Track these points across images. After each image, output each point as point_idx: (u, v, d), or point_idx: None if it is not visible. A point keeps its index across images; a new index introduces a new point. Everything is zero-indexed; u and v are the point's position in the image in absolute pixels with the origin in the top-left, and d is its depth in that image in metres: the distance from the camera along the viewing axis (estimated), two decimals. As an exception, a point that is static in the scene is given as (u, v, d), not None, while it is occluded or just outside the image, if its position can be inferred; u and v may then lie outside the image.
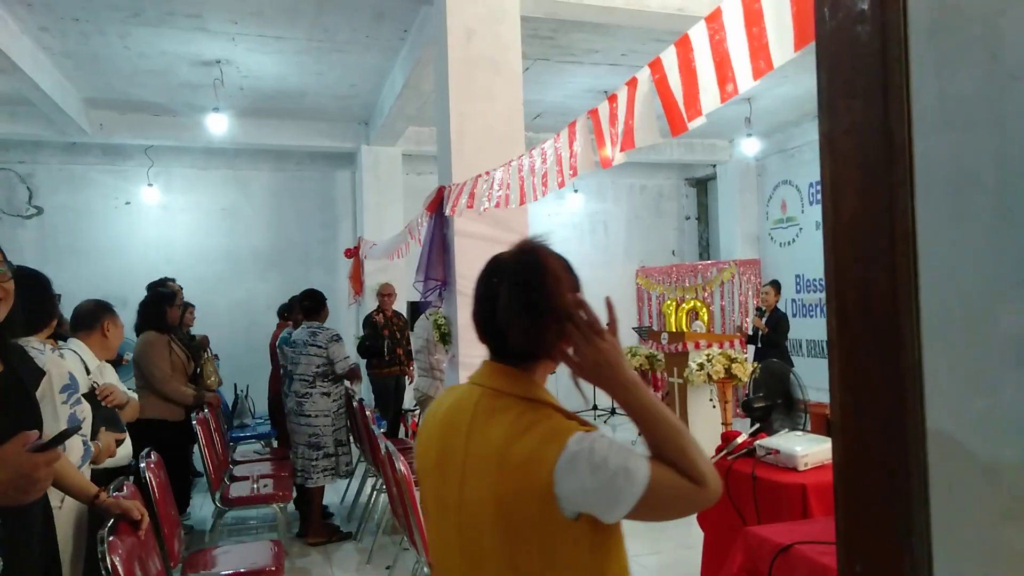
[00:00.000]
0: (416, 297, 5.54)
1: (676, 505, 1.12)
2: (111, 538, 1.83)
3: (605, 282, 10.33)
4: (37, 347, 2.37)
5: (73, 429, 1.46)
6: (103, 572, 1.76)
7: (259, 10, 5.46)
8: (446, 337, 4.31)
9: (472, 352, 4.21)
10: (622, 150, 2.39)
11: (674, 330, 8.53)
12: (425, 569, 3.08)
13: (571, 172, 2.80)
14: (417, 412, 5.48)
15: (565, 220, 10.33)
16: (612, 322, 1.18)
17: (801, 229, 9.25)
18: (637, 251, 10.79)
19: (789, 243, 9.47)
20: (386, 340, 6.80)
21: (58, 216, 8.70)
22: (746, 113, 8.22)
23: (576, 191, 10.19)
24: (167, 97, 7.36)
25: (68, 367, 2.26)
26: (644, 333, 8.76)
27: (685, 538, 4.57)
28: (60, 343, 2.82)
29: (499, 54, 4.45)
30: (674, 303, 9.91)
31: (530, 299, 1.18)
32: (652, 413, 1.13)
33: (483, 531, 1.15)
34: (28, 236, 8.60)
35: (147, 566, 2.24)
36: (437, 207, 4.49)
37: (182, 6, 5.35)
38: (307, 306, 5.02)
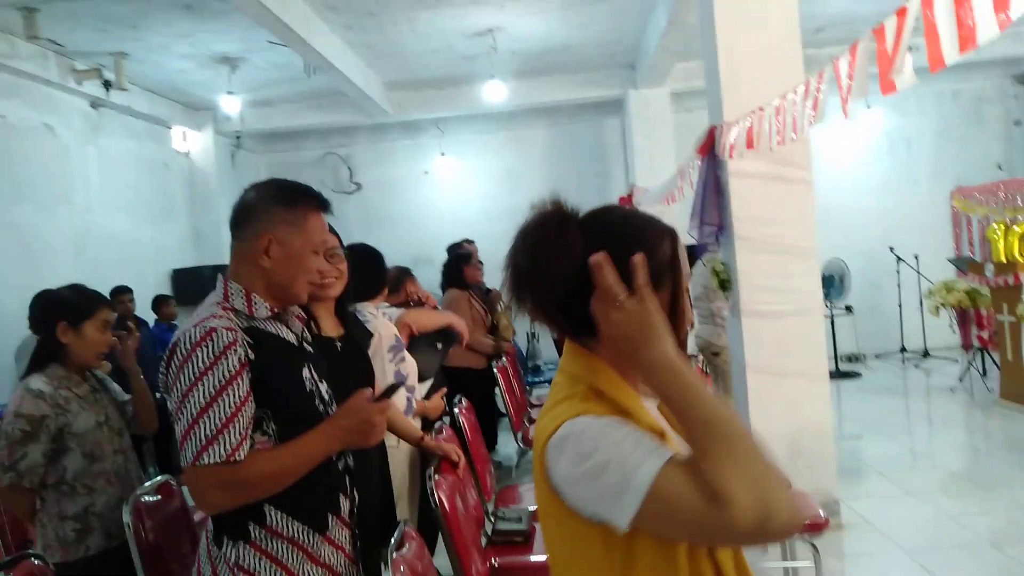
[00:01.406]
0: (692, 241, 5.47)
1: (683, 524, 0.89)
2: (436, 477, 2.15)
3: (908, 208, 9.17)
4: (371, 312, 2.80)
5: (399, 383, 1.72)
6: (432, 504, 2.08)
7: (523, -25, 5.66)
8: (725, 284, 4.20)
9: (756, 299, 4.07)
10: (962, 51, 1.94)
11: (1004, 259, 7.30)
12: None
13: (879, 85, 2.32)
14: (701, 359, 5.43)
15: (855, 143, 9.28)
16: (639, 286, 0.96)
17: None
18: (950, 169, 9.33)
19: None
20: None
21: (373, 190, 10.03)
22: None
23: (869, 107, 9.07)
24: (450, 71, 8.01)
25: (393, 330, 2.65)
26: (963, 265, 7.63)
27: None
28: (383, 307, 3.28)
29: (770, -27, 4.09)
30: (1002, 227, 8.43)
31: (535, 268, 1.04)
32: (679, 403, 0.92)
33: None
34: (351, 209, 10.05)
35: (466, 499, 2.58)
36: (709, 149, 4.34)
37: (455, -15, 5.76)
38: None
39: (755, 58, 4.05)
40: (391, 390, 1.63)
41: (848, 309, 8.75)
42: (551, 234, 1.04)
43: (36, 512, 2.25)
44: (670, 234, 1.10)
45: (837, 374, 8.27)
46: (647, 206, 7.78)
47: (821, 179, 8.66)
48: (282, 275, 1.58)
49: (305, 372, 1.62)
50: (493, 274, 7.34)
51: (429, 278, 8.37)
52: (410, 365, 2.67)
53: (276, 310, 1.61)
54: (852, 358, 9.13)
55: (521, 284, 1.06)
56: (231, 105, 7.41)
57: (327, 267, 1.66)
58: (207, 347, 1.44)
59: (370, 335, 2.48)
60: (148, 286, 7.40)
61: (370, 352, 2.39)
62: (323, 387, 1.67)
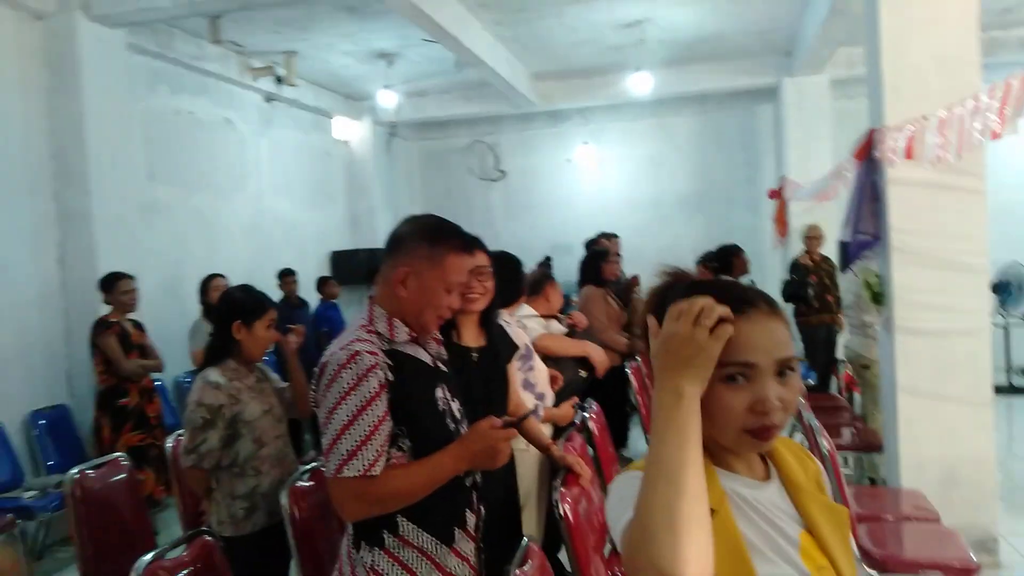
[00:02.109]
0: (846, 236, 5.18)
1: None
2: (562, 488, 2.24)
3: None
4: (505, 319, 2.93)
5: (530, 413, 1.82)
6: (556, 515, 2.18)
7: (675, -34, 5.54)
8: (878, 297, 3.96)
9: (913, 316, 3.81)
10: None
11: None
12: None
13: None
14: (850, 368, 5.16)
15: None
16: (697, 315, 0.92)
17: None
18: None
19: None
20: (811, 286, 6.49)
21: (516, 177, 10.23)
22: None
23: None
24: (596, 61, 7.98)
25: (524, 338, 2.76)
26: None
27: None
28: (517, 312, 3.40)
29: (947, -41, 3.74)
30: None
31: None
32: (653, 444, 0.91)
33: None
34: (496, 196, 10.33)
35: (592, 504, 2.66)
36: (867, 153, 4.08)
37: (605, -21, 5.73)
38: (715, 267, 5.08)
39: (924, 60, 3.73)
40: (519, 421, 1.73)
41: (1025, 318, 7.92)
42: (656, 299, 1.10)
43: (212, 491, 2.58)
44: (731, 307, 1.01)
45: (1010, 389, 7.55)
46: (798, 201, 7.42)
47: (1000, 174, 7.87)
48: (414, 306, 1.71)
49: (438, 392, 1.75)
50: (633, 264, 7.38)
51: (567, 267, 8.50)
52: (539, 373, 2.77)
53: (414, 334, 1.74)
54: (1028, 371, 8.27)
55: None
56: (388, 99, 7.81)
57: (458, 302, 1.77)
58: (351, 369, 1.59)
59: (515, 347, 2.57)
60: (310, 266, 8.03)
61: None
62: (455, 406, 1.80)
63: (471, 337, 2.31)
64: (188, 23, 5.98)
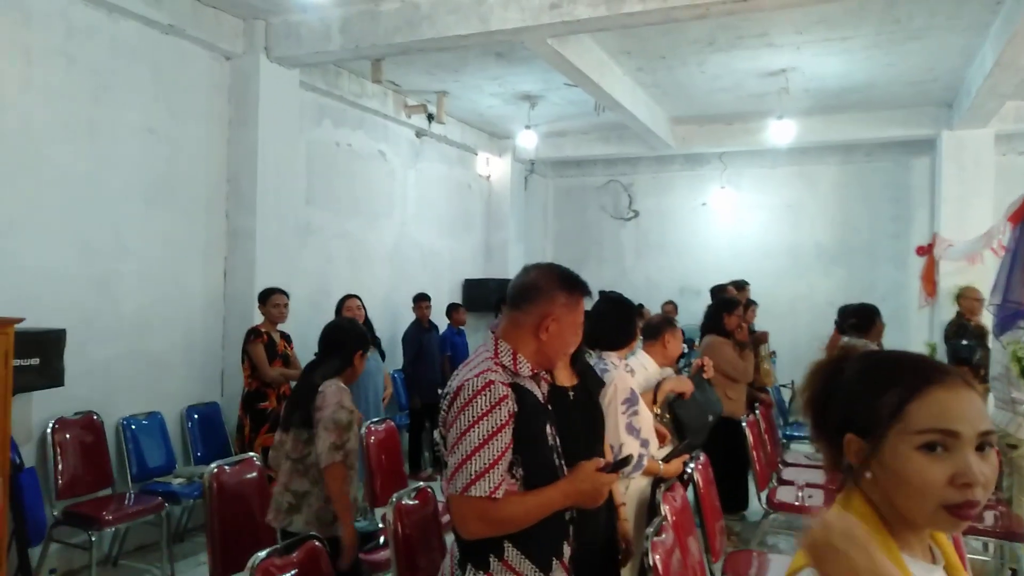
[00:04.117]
0: (995, 302, 4.80)
1: None
2: (654, 538, 2.27)
3: None
4: (613, 362, 2.99)
5: (628, 460, 1.89)
6: (646, 564, 2.22)
7: (824, 18, 5.44)
8: (1027, 373, 3.67)
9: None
10: None
11: None
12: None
13: None
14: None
15: None
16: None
17: None
18: None
19: None
20: (981, 351, 6.01)
21: (649, 218, 10.25)
22: None
23: None
24: (737, 108, 7.91)
25: (631, 383, 2.82)
26: None
27: None
28: (628, 355, 3.39)
29: None
30: None
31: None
32: None
33: None
34: (628, 235, 10.38)
35: (687, 557, 2.66)
36: (1023, 217, 3.84)
37: (750, 28, 5.71)
38: (853, 324, 4.86)
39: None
40: (621, 464, 1.83)
41: None
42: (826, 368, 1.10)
43: (307, 493, 2.82)
44: (909, 378, 1.00)
45: None
46: (950, 260, 6.96)
47: None
48: (553, 348, 1.88)
49: (548, 428, 1.88)
50: (766, 313, 7.25)
51: (693, 310, 8.41)
52: (644, 419, 2.81)
53: (535, 371, 1.89)
54: None
55: (814, 408, 1.11)
56: (528, 139, 8.12)
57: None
58: (486, 396, 1.71)
59: (602, 384, 2.60)
60: (443, 292, 8.43)
61: (603, 401, 2.56)
62: (558, 442, 1.92)
63: (564, 377, 2.38)
64: (353, 64, 6.56)
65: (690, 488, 3.19)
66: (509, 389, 1.75)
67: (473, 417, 1.71)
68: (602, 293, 3.27)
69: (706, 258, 9.60)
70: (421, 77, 7.04)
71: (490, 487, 1.69)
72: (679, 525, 2.67)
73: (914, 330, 8.11)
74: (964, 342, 6.24)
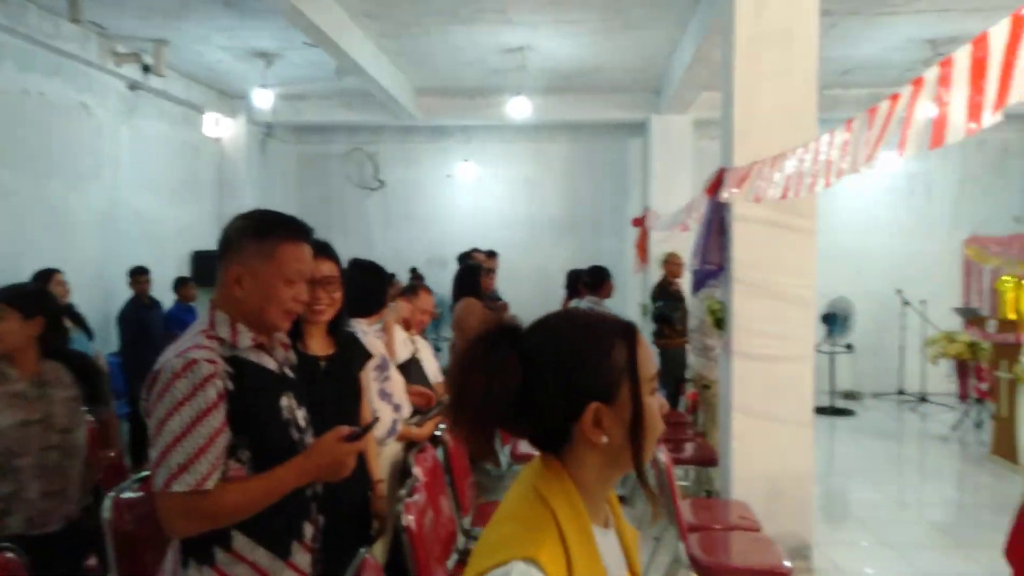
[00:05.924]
0: (695, 265, 5.57)
1: None
2: (407, 499, 2.27)
3: (922, 253, 9.19)
4: (363, 329, 2.92)
5: (372, 424, 1.82)
6: (398, 525, 2.21)
7: (556, 0, 5.78)
8: (720, 323, 4.30)
9: (748, 341, 4.15)
10: (996, 109, 1.90)
11: (1011, 313, 7.30)
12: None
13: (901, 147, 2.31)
14: (692, 389, 5.53)
15: (875, 183, 9.30)
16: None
17: None
18: (967, 218, 9.32)
19: None
20: (679, 310, 6.84)
21: (396, 188, 10.21)
22: None
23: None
24: (479, 82, 8.15)
25: (381, 348, 2.77)
26: (969, 315, 7.64)
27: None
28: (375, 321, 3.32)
29: (795, 23, 4.16)
30: (1013, 281, 8.43)
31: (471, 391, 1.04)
32: None
33: None
34: (374, 205, 10.25)
35: (439, 515, 2.70)
36: (716, 190, 4.43)
37: (490, 3, 5.88)
38: (588, 283, 5.35)
39: (771, 108, 4.13)
40: (365, 430, 1.72)
41: (849, 347, 8.78)
42: (481, 359, 1.02)
43: None
44: (623, 334, 1.04)
45: (832, 411, 8.32)
46: (659, 231, 7.88)
47: (835, 217, 8.74)
48: (254, 305, 1.63)
49: (283, 401, 1.69)
50: (505, 280, 7.57)
51: (441, 280, 8.56)
52: (396, 383, 2.79)
53: (259, 339, 1.68)
54: (849, 395, 9.17)
55: (463, 404, 1.03)
56: (263, 99, 7.59)
57: (308, 296, 1.72)
58: (187, 378, 1.51)
59: (368, 355, 2.52)
60: (169, 265, 7.62)
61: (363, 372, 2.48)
62: (300, 415, 1.75)
63: (318, 346, 2.26)
64: (44, -3, 5.58)
65: (440, 449, 3.27)
66: (219, 365, 1.56)
67: (173, 403, 1.51)
68: (353, 260, 3.17)
69: (452, 229, 9.83)
70: (132, 21, 6.21)
71: (196, 479, 1.49)
72: (431, 485, 2.70)
73: (630, 292, 9.09)
74: (663, 302, 7.14)
